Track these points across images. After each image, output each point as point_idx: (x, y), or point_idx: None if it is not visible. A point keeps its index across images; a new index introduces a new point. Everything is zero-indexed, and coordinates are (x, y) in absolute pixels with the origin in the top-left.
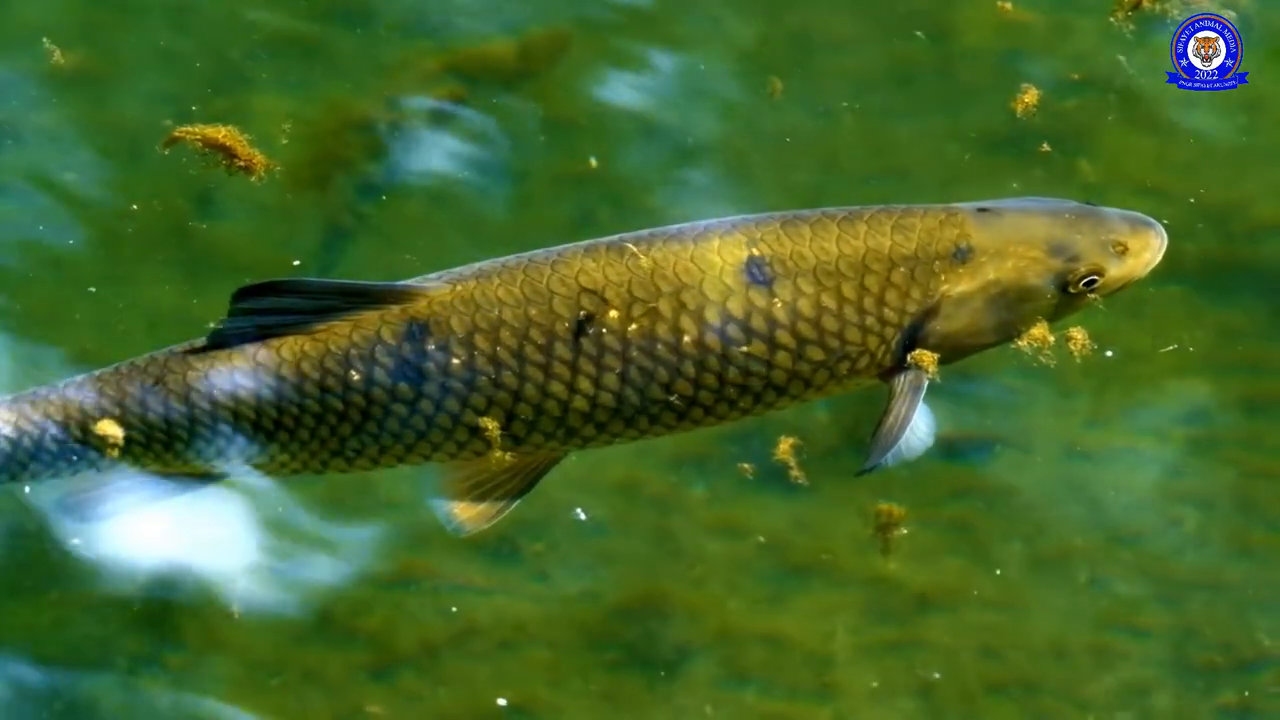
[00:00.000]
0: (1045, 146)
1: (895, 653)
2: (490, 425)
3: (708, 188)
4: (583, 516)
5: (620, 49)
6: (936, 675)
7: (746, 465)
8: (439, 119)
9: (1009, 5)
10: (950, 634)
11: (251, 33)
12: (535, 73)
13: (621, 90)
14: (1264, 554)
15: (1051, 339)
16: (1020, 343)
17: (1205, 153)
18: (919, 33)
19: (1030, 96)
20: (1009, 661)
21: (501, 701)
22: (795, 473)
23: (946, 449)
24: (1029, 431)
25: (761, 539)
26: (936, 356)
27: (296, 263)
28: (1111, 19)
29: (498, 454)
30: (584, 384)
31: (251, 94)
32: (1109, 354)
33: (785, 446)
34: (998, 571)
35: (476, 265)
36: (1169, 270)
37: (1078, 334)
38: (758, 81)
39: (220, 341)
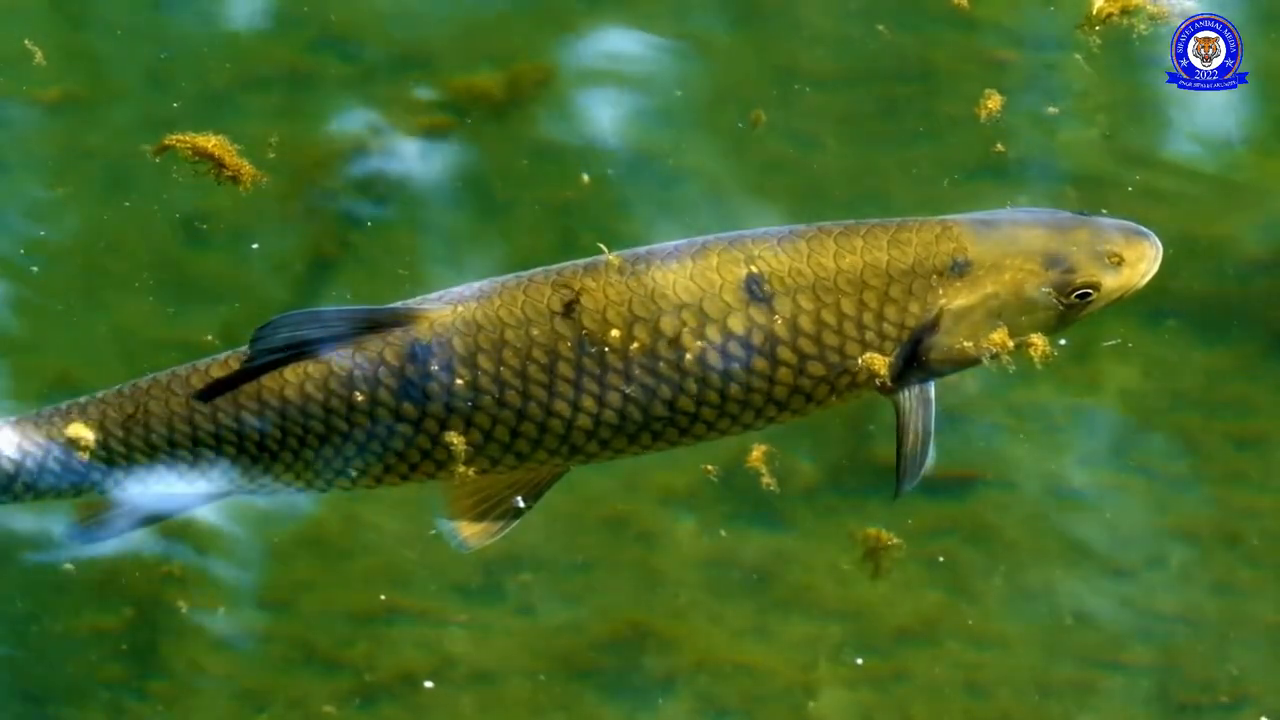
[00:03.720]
0: (999, 146)
1: (878, 687)
2: (456, 440)
3: (691, 218)
4: (521, 504)
5: (605, 81)
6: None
7: (710, 467)
8: (426, 147)
9: (965, 2)
10: (934, 668)
11: (239, 62)
12: (521, 103)
13: (606, 120)
14: (1247, 591)
15: (1011, 344)
16: (966, 343)
17: (1193, 189)
18: (881, 27)
19: (994, 102)
20: (994, 698)
21: (429, 684)
22: (766, 480)
23: (931, 484)
24: (1014, 467)
25: (725, 537)
26: (888, 360)
27: (255, 245)
28: (1079, 31)
29: (461, 468)
30: (588, 402)
31: (238, 121)
32: (1062, 342)
33: (757, 454)
34: (980, 606)
35: (476, 285)
36: (1156, 307)
37: (1038, 340)
38: (741, 112)
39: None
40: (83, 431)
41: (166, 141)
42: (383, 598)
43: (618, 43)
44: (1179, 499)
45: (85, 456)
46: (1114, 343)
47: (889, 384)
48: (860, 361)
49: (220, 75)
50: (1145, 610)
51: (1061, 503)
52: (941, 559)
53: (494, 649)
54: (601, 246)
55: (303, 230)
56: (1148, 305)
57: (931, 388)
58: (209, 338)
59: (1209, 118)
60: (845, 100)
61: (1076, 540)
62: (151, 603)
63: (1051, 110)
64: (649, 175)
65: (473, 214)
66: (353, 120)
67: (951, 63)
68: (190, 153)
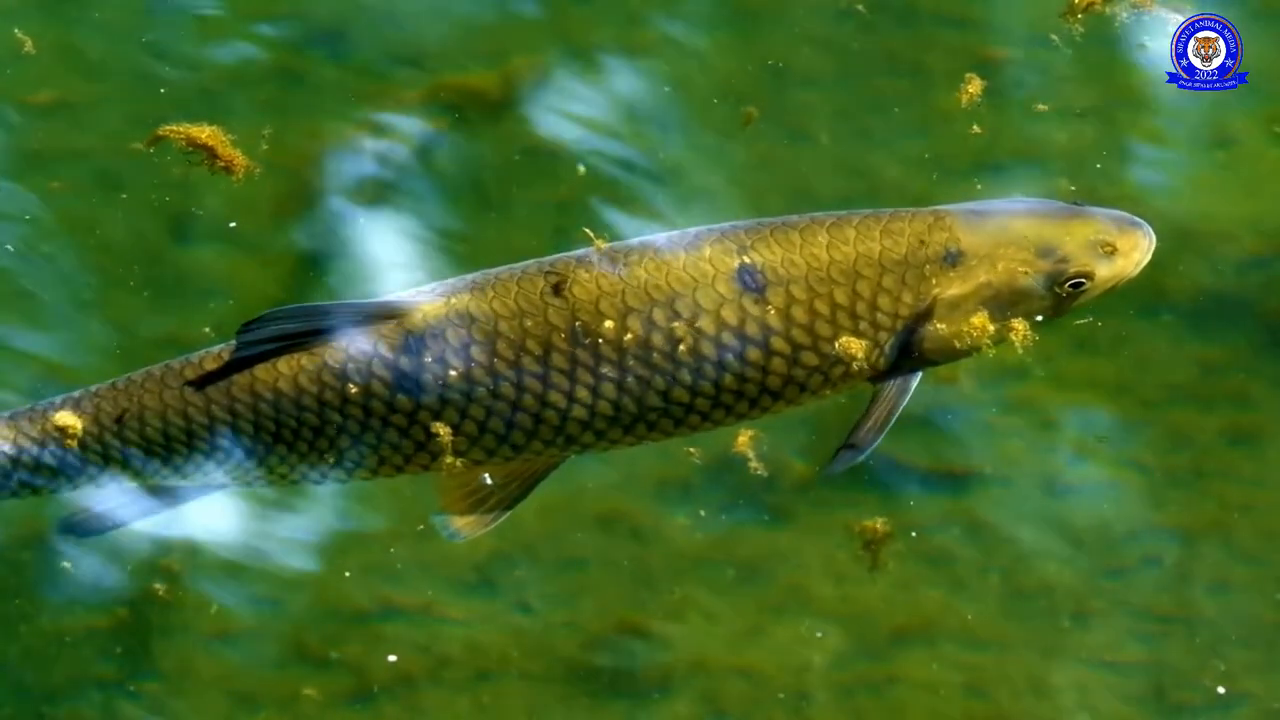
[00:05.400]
0: (975, 128)
1: (874, 687)
2: (443, 431)
3: (684, 214)
4: (489, 481)
5: (599, 79)
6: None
7: (693, 450)
8: (420, 145)
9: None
10: (930, 668)
11: (231, 61)
12: (515, 101)
13: (600, 118)
14: (1242, 589)
15: (991, 328)
16: (940, 325)
17: (1187, 183)
18: (860, 7)
19: (974, 86)
20: (990, 698)
21: (392, 658)
22: (754, 465)
23: (926, 481)
24: (1009, 465)
25: (713, 527)
26: (864, 344)
27: (233, 225)
28: (1063, 21)
29: (449, 459)
30: (582, 393)
31: (231, 119)
32: (1039, 319)
33: (744, 439)
34: (977, 605)
35: (470, 277)
36: (1152, 302)
37: (1018, 325)
38: (732, 110)
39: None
40: (70, 420)
41: (160, 132)
42: (348, 574)
43: (609, 41)
44: (1174, 495)
45: (73, 445)
46: (1087, 321)
47: (878, 371)
48: (837, 346)
49: (211, 75)
50: (1141, 609)
51: (1057, 499)
52: (938, 556)
53: (489, 648)
54: (588, 232)
55: (295, 227)
56: (1143, 299)
57: (915, 380)
58: (206, 330)
59: (1201, 114)
60: (837, 97)
61: (1072, 537)
62: (145, 601)
63: (1041, 107)
64: (641, 173)
65: (466, 211)
66: (346, 118)
67: (942, 59)
68: (183, 143)
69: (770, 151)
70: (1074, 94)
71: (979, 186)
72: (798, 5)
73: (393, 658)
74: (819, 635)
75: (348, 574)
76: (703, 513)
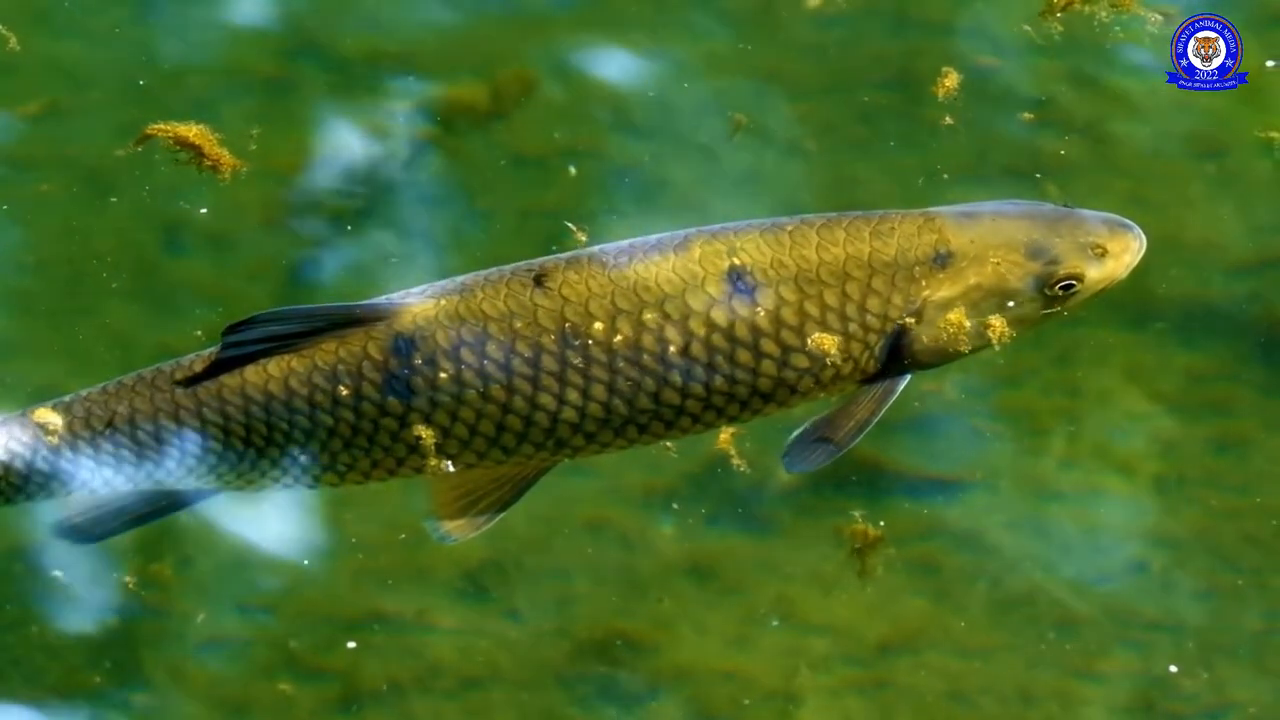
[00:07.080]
0: (948, 119)
1: (862, 694)
2: (425, 434)
3: (673, 222)
4: (452, 469)
5: (586, 89)
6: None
7: (670, 445)
8: (409, 155)
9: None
10: (917, 676)
11: (221, 70)
12: (504, 112)
13: (588, 128)
14: (1229, 597)
15: (968, 324)
16: (930, 327)
17: (1176, 193)
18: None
19: (951, 80)
20: (977, 706)
21: (351, 644)
22: (737, 461)
23: (913, 488)
24: (996, 472)
25: (698, 534)
26: (838, 341)
27: (204, 211)
28: (1042, 20)
29: (433, 462)
30: (572, 395)
31: (219, 126)
32: (1011, 306)
33: (725, 436)
34: (964, 613)
35: (459, 279)
36: (1138, 311)
37: (996, 321)
38: (720, 119)
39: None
40: (51, 416)
41: (147, 131)
42: (336, 580)
43: (598, 51)
44: (1161, 503)
45: (54, 441)
46: (1075, 327)
47: (868, 373)
48: (810, 343)
49: (201, 83)
50: (1128, 617)
51: (1044, 507)
52: (925, 564)
53: (478, 655)
54: (570, 225)
55: (284, 235)
56: (1130, 307)
57: (903, 382)
58: (197, 333)
59: (1194, 118)
60: (826, 107)
61: (1059, 545)
62: (134, 609)
63: (1027, 116)
64: (630, 182)
65: (455, 220)
66: (335, 126)
67: (932, 70)
68: (171, 141)
69: (760, 160)
70: (1061, 98)
71: (945, 176)
72: (788, 11)
73: (352, 644)
74: (774, 624)
75: (398, 627)
76: (690, 521)
